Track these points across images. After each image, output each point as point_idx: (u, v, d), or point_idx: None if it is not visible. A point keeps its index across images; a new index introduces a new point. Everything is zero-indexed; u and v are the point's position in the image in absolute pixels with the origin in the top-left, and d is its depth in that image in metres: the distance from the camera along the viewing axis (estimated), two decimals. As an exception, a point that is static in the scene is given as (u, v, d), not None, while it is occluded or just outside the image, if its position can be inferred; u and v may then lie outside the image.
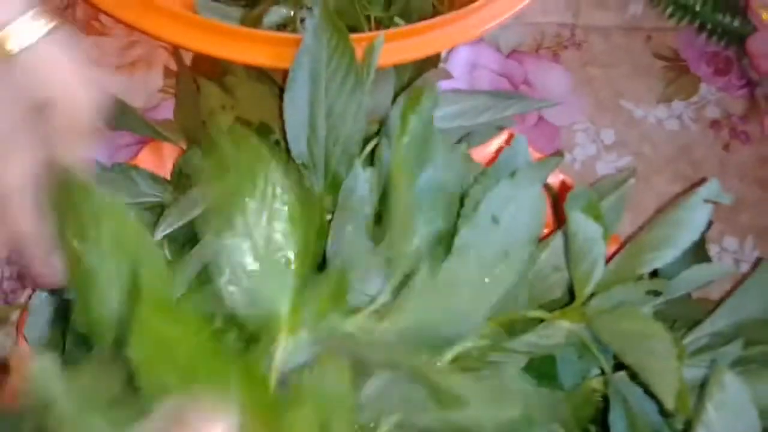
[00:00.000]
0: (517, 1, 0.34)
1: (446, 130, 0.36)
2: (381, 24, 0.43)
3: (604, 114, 0.46)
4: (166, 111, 0.44)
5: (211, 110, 0.38)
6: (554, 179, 0.38)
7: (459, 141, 0.35)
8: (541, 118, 0.45)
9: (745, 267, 0.42)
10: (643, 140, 0.46)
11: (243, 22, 0.44)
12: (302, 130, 0.32)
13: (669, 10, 0.49)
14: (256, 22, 0.44)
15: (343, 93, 0.31)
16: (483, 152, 0.40)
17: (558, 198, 0.35)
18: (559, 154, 0.38)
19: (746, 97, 0.47)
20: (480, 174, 0.32)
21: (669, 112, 0.47)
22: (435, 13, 0.43)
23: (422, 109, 0.32)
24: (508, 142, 0.35)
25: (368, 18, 0.44)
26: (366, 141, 0.36)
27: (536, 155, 0.39)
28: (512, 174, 0.31)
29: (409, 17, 0.43)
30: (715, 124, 0.46)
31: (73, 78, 0.23)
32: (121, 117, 0.41)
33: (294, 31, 0.43)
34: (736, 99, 0.47)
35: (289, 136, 0.32)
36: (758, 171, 0.45)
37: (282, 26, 0.44)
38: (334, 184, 0.32)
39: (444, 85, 0.45)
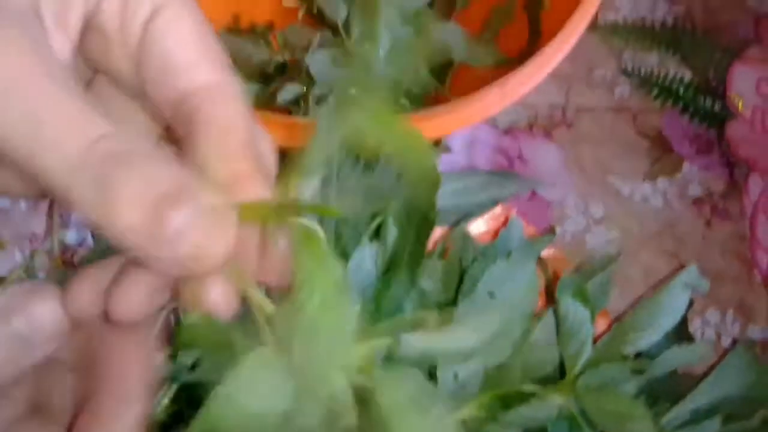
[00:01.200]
0: (518, 90, 0.37)
1: (446, 208, 0.39)
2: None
3: (593, 190, 0.49)
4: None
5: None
6: (546, 252, 0.41)
7: (458, 221, 0.38)
8: (534, 193, 0.48)
9: (726, 340, 0.45)
10: (630, 216, 0.49)
11: (257, 98, 0.47)
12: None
13: (654, 92, 0.53)
14: (270, 100, 0.47)
15: (354, 175, 0.34)
16: (477, 222, 0.43)
17: (552, 277, 0.38)
18: (551, 231, 0.40)
19: (726, 177, 0.50)
20: (479, 253, 0.35)
21: (654, 189, 0.50)
22: (437, 94, 0.46)
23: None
24: (504, 223, 0.38)
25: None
26: (372, 216, 0.38)
27: (530, 230, 0.42)
28: (508, 254, 0.34)
29: (412, 97, 0.47)
30: (697, 201, 0.49)
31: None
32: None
33: (306, 106, 0.47)
34: (717, 178, 0.50)
35: (302, 214, 0.35)
36: (738, 247, 0.48)
37: (295, 101, 0.48)
38: (343, 259, 0.35)
39: (444, 159, 0.48)
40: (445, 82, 0.47)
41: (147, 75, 0.21)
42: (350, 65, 0.45)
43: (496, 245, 0.34)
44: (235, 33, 0.50)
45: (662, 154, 0.51)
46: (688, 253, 0.48)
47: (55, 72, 0.18)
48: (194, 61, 0.21)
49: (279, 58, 0.48)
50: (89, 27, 0.21)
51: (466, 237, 0.36)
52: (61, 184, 0.18)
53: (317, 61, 0.45)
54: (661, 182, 0.50)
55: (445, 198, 0.38)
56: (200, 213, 0.18)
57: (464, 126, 0.37)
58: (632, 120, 0.52)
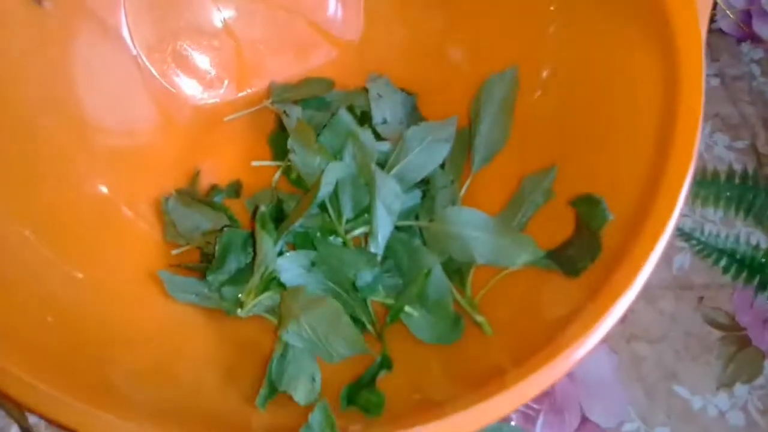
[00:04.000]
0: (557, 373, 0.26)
1: None
2: (389, 310, 0.35)
3: (657, 406, 0.38)
4: None
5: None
6: None
7: None
8: (585, 419, 0.37)
9: None
10: (705, 440, 0.38)
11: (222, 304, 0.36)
12: None
13: (722, 263, 0.42)
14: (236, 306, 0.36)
15: None
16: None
17: None
18: None
19: (821, 382, 0.40)
20: None
21: (731, 400, 0.39)
22: (455, 303, 0.35)
23: None
24: None
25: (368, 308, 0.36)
26: None
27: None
28: None
29: (425, 305, 0.35)
30: (788, 418, 0.39)
31: None
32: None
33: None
34: (810, 383, 0.40)
35: None
36: (844, 481, 0.38)
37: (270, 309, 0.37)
38: None
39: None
40: (464, 283, 0.36)
41: None
42: (333, 271, 0.34)
43: None
44: (189, 200, 0.39)
45: (737, 348, 0.40)
46: (781, 494, 0.37)
47: None
48: None
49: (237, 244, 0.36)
50: None
51: None
52: None
53: (289, 269, 0.34)
54: (740, 390, 0.39)
55: None
56: None
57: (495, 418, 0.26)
58: (698, 302, 0.41)
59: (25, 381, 0.21)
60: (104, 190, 0.33)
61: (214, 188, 0.41)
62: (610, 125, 0.34)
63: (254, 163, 0.41)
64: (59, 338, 0.25)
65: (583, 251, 0.32)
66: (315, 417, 0.23)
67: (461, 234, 0.35)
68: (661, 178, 0.30)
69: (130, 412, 0.23)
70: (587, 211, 0.32)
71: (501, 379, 0.26)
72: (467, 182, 0.40)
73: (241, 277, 0.36)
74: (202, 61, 0.43)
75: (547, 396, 0.37)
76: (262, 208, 0.35)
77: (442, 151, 0.39)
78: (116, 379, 0.26)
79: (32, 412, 0.22)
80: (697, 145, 0.29)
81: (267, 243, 0.33)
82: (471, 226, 0.35)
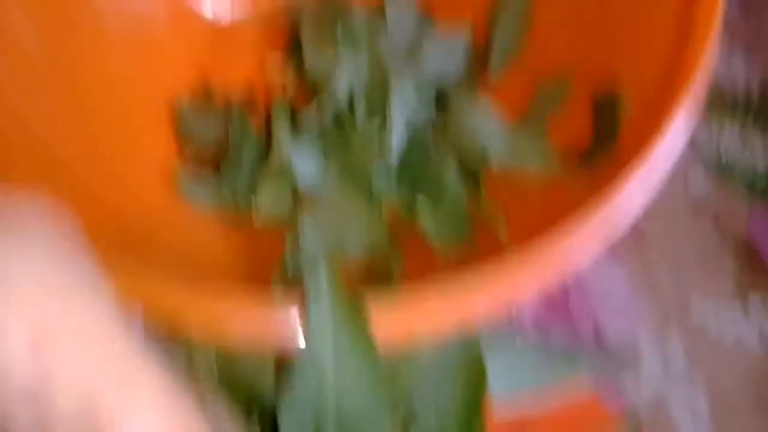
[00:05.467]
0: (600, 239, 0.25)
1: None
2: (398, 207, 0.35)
3: (672, 326, 0.38)
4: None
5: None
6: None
7: None
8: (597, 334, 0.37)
9: None
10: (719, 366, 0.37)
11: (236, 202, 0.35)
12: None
13: (742, 186, 0.41)
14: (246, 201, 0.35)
15: (360, 385, 0.23)
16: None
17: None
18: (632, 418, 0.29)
19: None
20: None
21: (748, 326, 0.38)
22: (471, 202, 0.34)
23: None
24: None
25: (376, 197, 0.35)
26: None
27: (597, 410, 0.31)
28: None
29: (438, 199, 0.35)
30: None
31: None
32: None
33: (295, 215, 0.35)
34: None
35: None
36: None
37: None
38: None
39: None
40: (478, 189, 0.35)
41: None
42: (347, 159, 0.33)
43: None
44: (204, 106, 0.38)
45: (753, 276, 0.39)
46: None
47: None
48: None
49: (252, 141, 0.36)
50: None
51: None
52: None
53: (303, 158, 0.33)
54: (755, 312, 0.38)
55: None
56: None
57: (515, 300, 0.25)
58: (713, 224, 0.41)
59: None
60: (117, 72, 0.33)
61: (226, 102, 0.40)
62: (626, 16, 0.33)
63: (269, 75, 0.40)
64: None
65: (599, 147, 0.31)
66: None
67: (473, 128, 0.34)
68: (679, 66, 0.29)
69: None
70: (602, 106, 0.32)
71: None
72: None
73: (255, 179, 0.35)
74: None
75: (560, 309, 0.37)
76: (278, 99, 0.35)
77: (457, 63, 0.38)
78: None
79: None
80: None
81: (283, 130, 0.33)
82: (484, 121, 0.34)
